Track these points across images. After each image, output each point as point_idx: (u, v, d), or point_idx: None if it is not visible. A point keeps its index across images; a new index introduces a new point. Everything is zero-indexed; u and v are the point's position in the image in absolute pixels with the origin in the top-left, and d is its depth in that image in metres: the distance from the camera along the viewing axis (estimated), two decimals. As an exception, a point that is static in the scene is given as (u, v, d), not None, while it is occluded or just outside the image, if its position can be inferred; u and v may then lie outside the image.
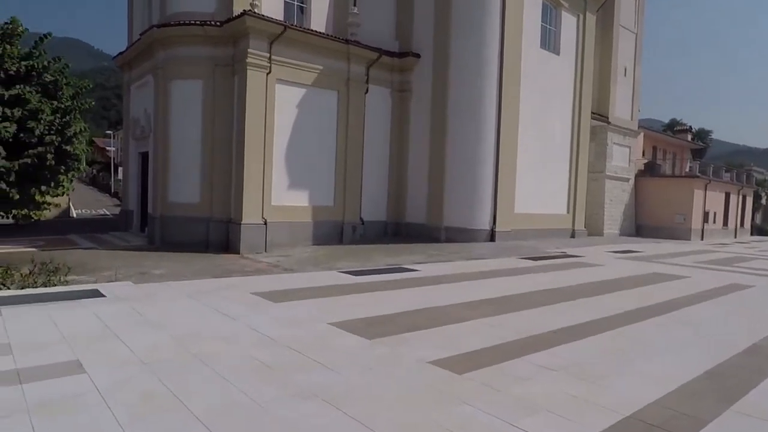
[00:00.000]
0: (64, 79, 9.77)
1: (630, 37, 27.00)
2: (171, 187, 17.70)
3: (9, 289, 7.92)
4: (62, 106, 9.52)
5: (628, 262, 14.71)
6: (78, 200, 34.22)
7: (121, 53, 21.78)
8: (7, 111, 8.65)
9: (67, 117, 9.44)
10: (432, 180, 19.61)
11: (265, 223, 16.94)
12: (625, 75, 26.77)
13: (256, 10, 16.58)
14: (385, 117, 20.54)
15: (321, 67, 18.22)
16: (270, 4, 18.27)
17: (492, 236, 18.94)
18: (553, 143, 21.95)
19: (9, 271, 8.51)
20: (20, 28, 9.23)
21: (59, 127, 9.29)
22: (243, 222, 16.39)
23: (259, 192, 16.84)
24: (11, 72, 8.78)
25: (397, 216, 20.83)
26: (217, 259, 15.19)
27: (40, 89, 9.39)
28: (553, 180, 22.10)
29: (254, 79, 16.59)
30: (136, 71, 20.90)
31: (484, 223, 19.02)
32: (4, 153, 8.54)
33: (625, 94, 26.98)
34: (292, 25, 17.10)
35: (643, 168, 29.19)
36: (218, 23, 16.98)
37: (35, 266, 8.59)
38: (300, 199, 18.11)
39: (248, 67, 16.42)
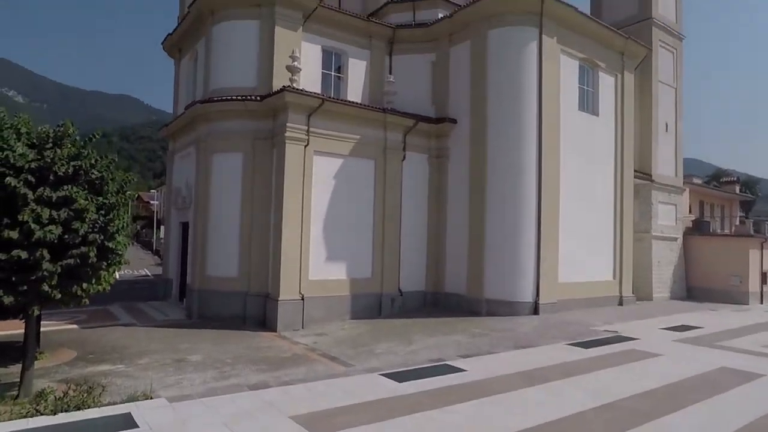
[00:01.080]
0: (110, 174, 9.84)
1: (670, 92, 26.39)
2: (209, 260, 17.69)
3: (42, 414, 7.67)
4: (107, 202, 9.54)
5: (689, 347, 13.40)
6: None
7: (166, 125, 22.55)
8: (54, 213, 8.67)
9: (111, 214, 9.43)
10: (471, 248, 19.01)
11: (303, 299, 16.60)
12: (666, 131, 26.00)
13: (294, 85, 16.93)
14: (422, 183, 20.31)
15: (358, 137, 18.28)
16: (308, 75, 18.68)
17: (536, 309, 18.02)
18: (595, 206, 21.15)
19: (44, 393, 8.32)
20: (71, 129, 9.43)
21: (103, 225, 9.26)
22: (280, 299, 16.11)
23: (297, 266, 16.62)
24: (60, 174, 8.87)
25: (436, 285, 20.18)
26: (254, 339, 14.84)
27: (86, 186, 9.45)
28: (597, 244, 21.14)
29: (292, 152, 16.72)
30: (179, 142, 21.51)
31: (527, 295, 18.15)
32: (48, 257, 8.51)
33: (668, 151, 26.11)
34: (329, 97, 17.31)
35: (691, 225, 27.82)
36: (258, 98, 17.37)
37: (69, 388, 8.38)
38: (337, 272, 17.76)
39: (287, 141, 16.60)
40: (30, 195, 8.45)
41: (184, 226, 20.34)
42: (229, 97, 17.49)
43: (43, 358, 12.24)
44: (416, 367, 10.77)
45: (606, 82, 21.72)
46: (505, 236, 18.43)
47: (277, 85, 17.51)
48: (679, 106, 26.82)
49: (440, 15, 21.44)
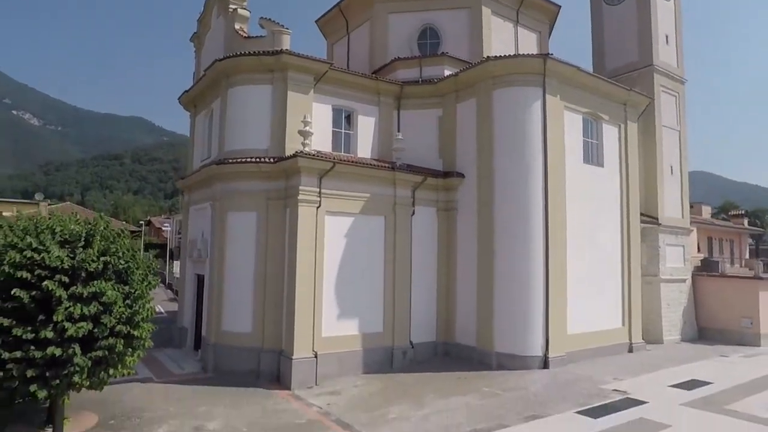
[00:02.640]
0: (136, 264, 10.43)
1: (673, 135, 26.78)
2: (225, 316, 18.21)
3: None
4: (133, 291, 10.11)
5: (697, 415, 13.49)
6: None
7: (182, 177, 23.33)
8: (85, 309, 9.24)
9: (137, 305, 10.01)
10: (481, 301, 19.36)
11: (316, 356, 17.03)
12: (672, 174, 26.33)
13: (306, 149, 17.59)
14: (431, 236, 20.78)
15: (368, 195, 18.86)
16: (319, 133, 19.34)
17: (545, 363, 18.27)
18: (603, 255, 21.47)
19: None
20: (101, 224, 10.08)
21: (129, 316, 9.83)
22: (294, 357, 16.54)
23: (310, 324, 17.07)
24: (90, 270, 9.46)
25: (446, 336, 20.51)
26: (269, 399, 15.22)
27: (113, 276, 10.04)
28: (605, 293, 21.40)
29: (305, 214, 17.33)
30: (195, 195, 22.24)
31: (536, 349, 18.42)
32: (79, 352, 9.05)
33: (674, 193, 26.40)
34: (340, 160, 17.94)
35: (699, 265, 27.94)
36: (272, 159, 18.05)
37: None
38: (349, 328, 18.19)
39: (299, 204, 17.22)
40: (63, 295, 9.05)
41: (200, 279, 20.92)
42: (243, 159, 18.19)
43: (68, 424, 12.71)
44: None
45: (610, 133, 22.21)
46: (513, 290, 18.78)
47: (289, 146, 18.20)
48: (683, 147, 27.19)
49: (446, 71, 22.19)
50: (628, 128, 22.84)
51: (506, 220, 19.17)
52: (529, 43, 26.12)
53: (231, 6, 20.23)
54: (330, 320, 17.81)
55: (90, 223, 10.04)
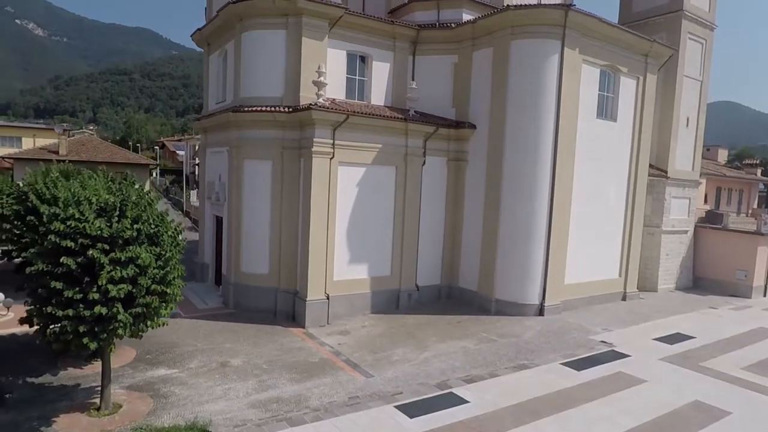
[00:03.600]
0: (165, 227, 11.35)
1: (695, 86, 26.14)
2: (243, 258, 19.48)
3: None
4: (164, 253, 11.11)
5: (672, 371, 14.55)
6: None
7: (198, 119, 23.68)
8: (123, 272, 10.31)
9: (168, 265, 11.05)
10: (484, 250, 20.35)
11: (328, 298, 18.43)
12: (687, 126, 26.07)
13: (321, 100, 17.82)
14: (440, 185, 21.39)
15: (380, 146, 19.29)
16: (333, 80, 19.39)
17: (541, 310, 19.56)
18: (607, 207, 22.04)
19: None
20: (133, 194, 10.91)
21: (162, 276, 10.92)
22: (308, 299, 17.95)
23: (323, 269, 18.30)
24: (126, 237, 10.42)
25: (450, 280, 21.79)
26: (286, 337, 16.80)
27: (146, 239, 11.01)
28: (605, 245, 22.23)
29: (319, 165, 17.93)
30: (212, 139, 22.74)
31: (533, 298, 19.65)
32: (122, 311, 10.24)
33: (687, 145, 26.27)
34: (354, 112, 18.16)
35: (704, 216, 28.44)
36: (287, 108, 18.35)
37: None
38: (359, 272, 19.44)
39: (314, 155, 17.77)
40: (105, 261, 10.07)
41: (218, 220, 22.03)
42: (258, 108, 18.48)
43: (111, 358, 14.41)
44: (426, 397, 12.52)
45: (627, 86, 21.88)
46: (516, 240, 19.67)
47: (304, 95, 18.42)
48: (703, 98, 26.63)
49: (465, 14, 21.59)
50: (647, 80, 22.43)
51: (514, 173, 19.61)
52: (553, -19, 24.85)
53: (244, -58, 19.41)
54: (341, 265, 19.02)
55: (123, 193, 10.83)
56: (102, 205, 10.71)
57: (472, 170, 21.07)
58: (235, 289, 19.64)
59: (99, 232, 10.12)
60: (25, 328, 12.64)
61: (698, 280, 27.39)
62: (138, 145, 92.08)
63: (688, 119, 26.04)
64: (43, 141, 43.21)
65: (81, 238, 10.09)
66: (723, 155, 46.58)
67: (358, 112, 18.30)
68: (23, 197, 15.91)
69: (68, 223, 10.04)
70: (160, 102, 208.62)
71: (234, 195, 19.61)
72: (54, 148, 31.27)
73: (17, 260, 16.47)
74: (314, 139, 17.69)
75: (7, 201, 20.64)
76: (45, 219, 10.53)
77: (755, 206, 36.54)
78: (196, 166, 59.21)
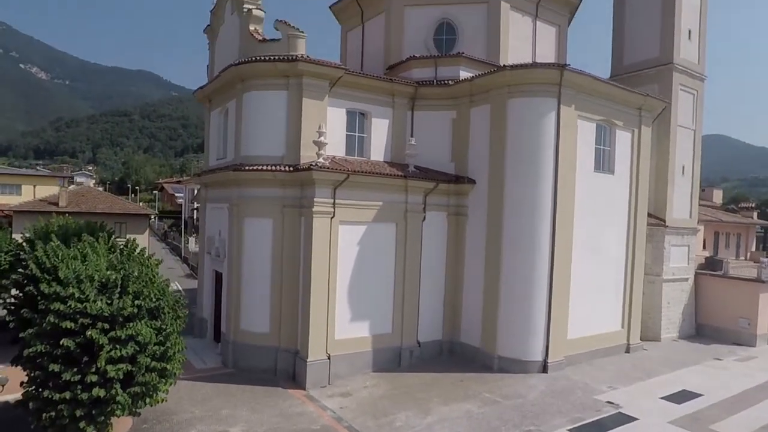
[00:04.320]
0: (165, 301, 11.25)
1: (688, 134, 26.63)
2: (243, 316, 19.25)
3: None
4: (164, 327, 10.97)
5: None
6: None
7: (197, 174, 23.89)
8: (123, 351, 10.14)
9: (169, 341, 10.89)
10: (486, 306, 20.18)
11: (329, 358, 18.12)
12: (683, 174, 26.42)
13: (321, 159, 18.00)
14: (441, 240, 21.40)
15: (380, 203, 19.40)
16: (333, 138, 19.60)
17: (545, 367, 19.25)
18: (607, 259, 22.04)
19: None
20: (135, 270, 10.84)
21: (162, 352, 10.73)
22: (309, 360, 17.65)
23: (324, 329, 18.08)
24: (126, 315, 10.30)
25: (452, 335, 21.51)
26: (286, 401, 16.40)
27: (146, 314, 10.88)
28: (607, 296, 22.12)
29: (320, 224, 17.97)
30: (212, 194, 22.86)
31: (537, 353, 19.37)
32: (121, 393, 10.02)
33: (684, 192, 26.54)
34: (354, 171, 18.33)
35: (703, 262, 28.43)
36: (287, 167, 18.51)
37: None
38: (361, 330, 19.20)
39: (314, 215, 17.83)
40: (105, 341, 9.92)
41: (218, 275, 21.89)
42: (259, 167, 18.62)
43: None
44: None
45: (622, 139, 22.27)
46: (517, 297, 19.53)
47: (304, 154, 18.63)
48: (696, 146, 27.09)
49: (462, 71, 22.10)
50: (641, 133, 22.84)
51: (515, 228, 19.67)
52: (547, 37, 25.70)
53: (246, 6, 20.09)
54: (342, 323, 18.79)
55: (125, 268, 10.79)
56: (103, 281, 10.64)
57: (473, 224, 21.14)
58: (235, 348, 19.31)
59: (100, 311, 10.02)
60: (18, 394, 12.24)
61: (701, 328, 27.12)
62: (137, 187, 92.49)
63: (683, 167, 26.40)
64: (43, 188, 43.36)
65: (81, 317, 9.99)
66: (718, 196, 47.03)
67: (358, 171, 18.49)
68: (22, 261, 15.82)
69: (69, 303, 9.95)
70: (159, 142, 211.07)
71: (234, 252, 19.55)
72: (54, 200, 31.36)
73: (12, 325, 16.20)
74: (315, 199, 17.80)
75: (5, 259, 20.52)
76: (45, 295, 10.44)
77: (753, 249, 36.64)
78: (195, 211, 59.44)
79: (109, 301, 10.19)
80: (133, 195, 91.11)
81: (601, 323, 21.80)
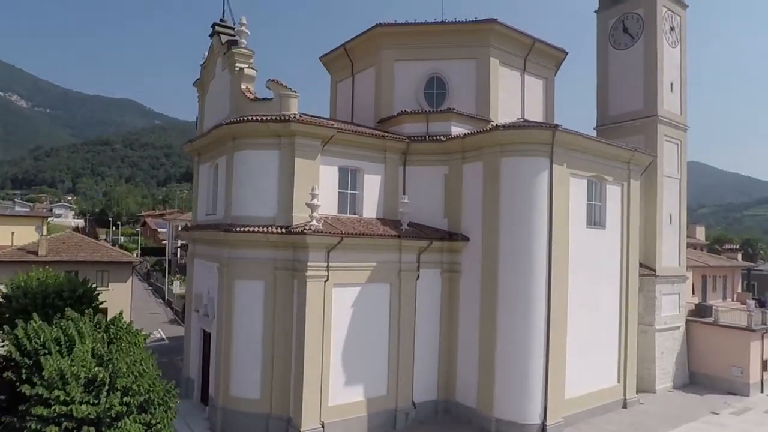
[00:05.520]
0: (156, 393, 10.67)
1: (674, 184, 27.10)
2: (232, 381, 18.55)
3: None
4: (154, 422, 10.37)
5: None
6: (135, 306, 34.50)
7: (185, 229, 23.37)
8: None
9: (158, 438, 10.28)
10: (482, 365, 19.81)
11: (323, 426, 17.47)
12: (671, 223, 26.73)
13: (314, 221, 17.69)
14: (435, 297, 21.11)
15: (374, 264, 19.12)
16: (325, 195, 19.33)
17: (543, 430, 18.84)
18: (601, 313, 21.97)
19: None
20: (123, 367, 10.30)
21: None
22: (302, 429, 17.02)
23: (317, 395, 17.50)
24: (114, 414, 9.69)
25: (447, 394, 21.02)
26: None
27: (135, 409, 10.28)
28: (602, 351, 21.95)
29: (313, 289, 17.59)
30: (201, 250, 22.32)
31: (535, 416, 18.97)
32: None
33: (672, 241, 26.82)
34: (348, 233, 18.08)
35: (693, 309, 28.56)
36: (279, 229, 18.15)
37: None
38: (355, 395, 18.65)
39: (308, 279, 17.46)
40: (91, 448, 9.29)
41: (206, 334, 21.17)
42: (251, 229, 18.20)
43: None
44: None
45: (613, 193, 22.48)
46: (514, 357, 19.22)
47: (297, 215, 18.32)
48: (682, 195, 27.53)
49: (453, 126, 22.22)
50: (630, 186, 23.11)
51: (509, 285, 19.49)
52: (535, 89, 26.13)
53: (237, 65, 20.02)
54: (337, 388, 18.23)
55: (112, 362, 10.24)
56: (90, 377, 10.08)
57: (467, 281, 20.92)
58: (223, 415, 18.53)
59: (86, 414, 9.43)
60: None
61: (694, 376, 27.05)
62: (118, 221, 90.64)
63: (671, 216, 26.74)
64: (22, 230, 41.89)
65: (66, 421, 9.38)
66: (701, 233, 47.82)
67: (352, 233, 18.24)
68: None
69: (53, 407, 9.35)
70: (141, 171, 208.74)
71: (224, 313, 18.96)
72: (33, 248, 30.36)
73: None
74: (308, 263, 17.46)
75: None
76: (26, 397, 9.82)
77: (739, 290, 37.12)
78: (179, 249, 58.23)
79: (96, 400, 9.61)
80: (114, 228, 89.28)
81: (597, 379, 21.56)
